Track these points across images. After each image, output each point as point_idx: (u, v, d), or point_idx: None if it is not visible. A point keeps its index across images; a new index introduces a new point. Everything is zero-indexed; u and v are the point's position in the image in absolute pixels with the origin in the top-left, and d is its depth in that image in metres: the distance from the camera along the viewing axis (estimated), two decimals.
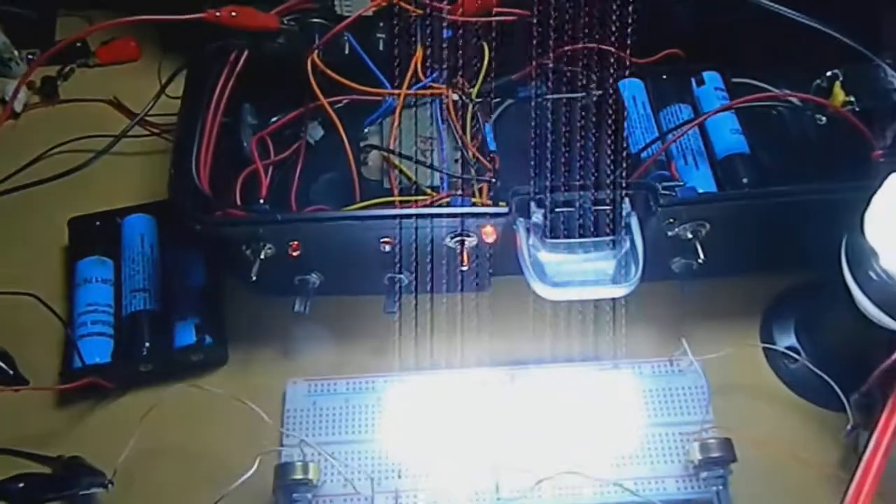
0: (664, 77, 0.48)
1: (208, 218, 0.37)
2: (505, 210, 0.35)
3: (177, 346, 0.40)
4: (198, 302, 0.41)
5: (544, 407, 0.37)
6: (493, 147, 0.43)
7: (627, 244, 0.36)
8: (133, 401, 0.40)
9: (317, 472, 0.35)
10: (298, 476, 0.35)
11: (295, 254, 0.37)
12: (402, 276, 0.39)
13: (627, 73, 0.44)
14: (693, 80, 0.47)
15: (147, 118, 0.50)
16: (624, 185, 0.35)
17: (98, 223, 0.44)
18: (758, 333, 0.42)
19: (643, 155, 0.44)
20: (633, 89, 0.47)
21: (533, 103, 0.41)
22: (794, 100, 0.44)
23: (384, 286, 0.40)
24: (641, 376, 0.39)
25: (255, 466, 0.34)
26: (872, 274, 0.31)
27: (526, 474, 0.36)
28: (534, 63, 0.44)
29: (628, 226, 0.35)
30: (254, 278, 0.36)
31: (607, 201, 0.35)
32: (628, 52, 0.41)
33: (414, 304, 0.39)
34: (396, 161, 0.41)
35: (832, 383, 0.37)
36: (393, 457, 0.37)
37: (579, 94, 0.42)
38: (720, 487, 0.35)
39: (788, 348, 0.40)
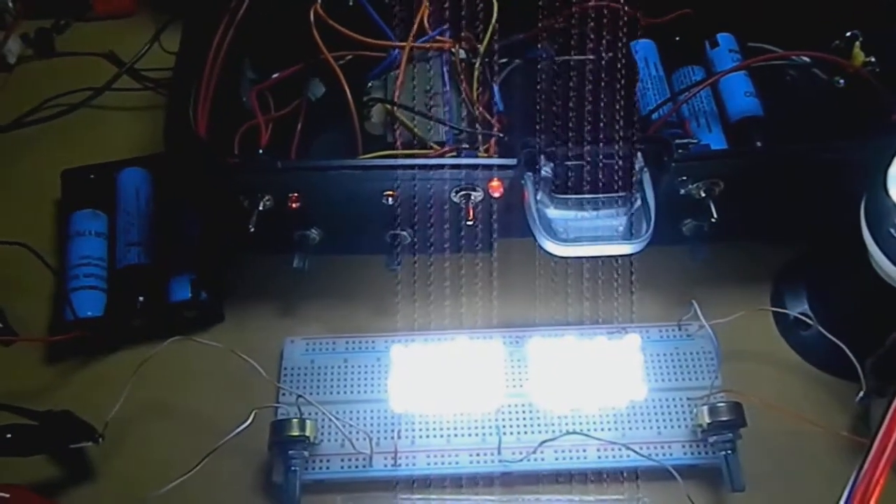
0: (677, 39, 0.46)
1: (206, 166, 0.36)
2: (513, 162, 0.34)
3: (172, 301, 0.39)
4: (194, 258, 0.40)
5: (549, 370, 0.35)
6: (500, 108, 0.42)
7: (639, 201, 0.34)
8: (125, 357, 0.39)
9: (314, 429, 0.34)
10: (295, 433, 0.34)
11: (294, 206, 0.35)
12: (404, 233, 0.38)
13: (639, 33, 0.43)
14: (707, 42, 0.45)
15: (142, 73, 0.49)
16: (637, 138, 0.34)
17: (92, 176, 0.43)
18: (769, 299, 0.41)
19: (655, 116, 0.42)
20: (645, 51, 0.45)
21: (541, 65, 0.41)
22: (810, 60, 0.43)
23: (385, 244, 0.39)
24: (649, 340, 0.38)
25: (250, 420, 0.33)
26: (894, 231, 0.30)
27: (529, 436, 0.36)
28: (541, 24, 0.43)
29: (640, 182, 0.34)
30: (251, 229, 0.35)
31: (619, 155, 0.34)
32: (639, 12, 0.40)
33: (415, 264, 0.38)
34: (400, 115, 0.40)
35: (845, 349, 0.35)
36: (392, 417, 0.36)
37: (589, 57, 0.41)
38: (729, 452, 0.34)
39: (801, 314, 0.39)
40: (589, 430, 0.36)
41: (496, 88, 0.43)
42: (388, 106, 0.40)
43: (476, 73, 0.42)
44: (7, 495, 0.30)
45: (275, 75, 0.45)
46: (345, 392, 0.37)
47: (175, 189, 0.42)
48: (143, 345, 0.39)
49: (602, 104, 0.38)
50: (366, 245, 0.40)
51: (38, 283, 0.41)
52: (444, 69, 0.42)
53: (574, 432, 0.34)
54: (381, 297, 0.40)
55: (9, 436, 0.32)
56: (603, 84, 0.38)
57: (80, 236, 0.40)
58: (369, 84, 0.42)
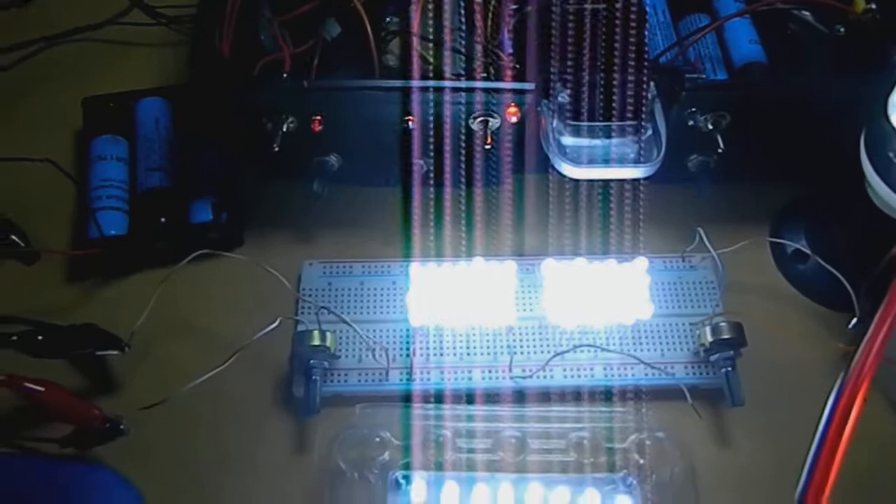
0: None
1: (234, 83, 0.37)
2: (530, 86, 0.35)
3: (193, 222, 0.40)
4: (213, 182, 0.41)
5: (560, 291, 0.37)
6: (510, 50, 0.43)
7: (650, 130, 0.36)
8: (146, 277, 0.40)
9: (334, 341, 0.35)
10: (316, 343, 0.35)
11: (317, 129, 0.37)
12: (420, 161, 0.40)
13: None
14: None
15: (156, 9, 0.50)
16: (649, 68, 0.35)
17: (111, 104, 0.44)
18: (767, 235, 0.42)
19: (662, 60, 0.44)
20: None
21: (555, 9, 0.42)
22: (811, 7, 0.44)
23: (396, 174, 0.40)
24: (654, 270, 0.39)
25: (277, 323, 0.34)
26: (893, 155, 0.32)
27: (539, 355, 0.38)
28: None
29: (651, 111, 0.36)
30: (276, 148, 0.36)
31: (632, 84, 0.35)
32: None
33: (428, 193, 0.40)
34: (419, 48, 0.41)
35: (842, 278, 0.37)
36: (407, 335, 0.37)
37: (601, 5, 0.42)
38: (729, 369, 0.36)
39: (798, 249, 0.40)
40: (595, 349, 0.38)
41: (505, 31, 0.44)
42: (407, 38, 0.41)
43: (490, 13, 0.43)
44: (42, 388, 0.31)
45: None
46: (361, 312, 0.39)
47: (195, 117, 0.43)
48: (164, 267, 0.40)
49: (615, 44, 0.39)
50: (382, 176, 0.41)
51: (58, 205, 0.42)
52: (460, 6, 0.43)
53: (585, 345, 0.36)
54: (396, 226, 0.41)
55: (40, 337, 0.33)
56: (615, 27, 0.40)
57: (102, 160, 0.41)
58: (387, 20, 0.44)
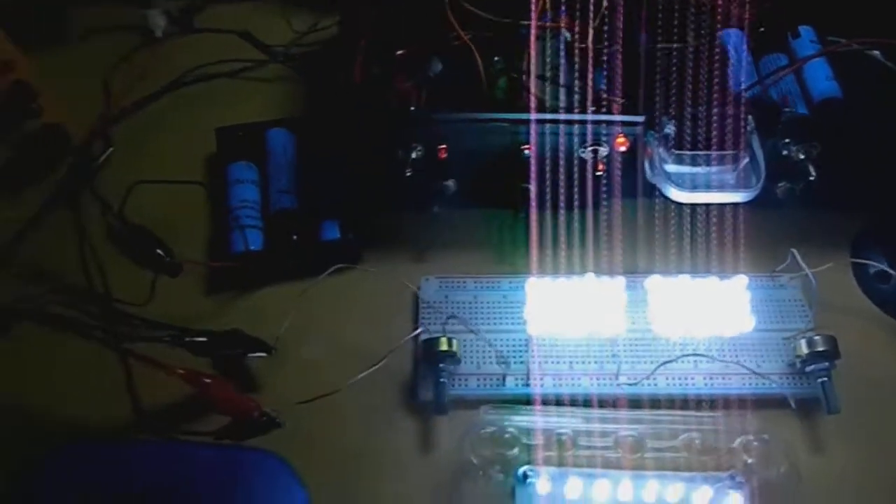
0: (761, 29, 0.51)
1: (374, 116, 0.42)
2: (640, 119, 0.39)
3: (322, 240, 0.44)
4: (339, 205, 0.45)
5: (664, 305, 0.40)
6: (601, 86, 0.47)
7: (747, 158, 0.39)
8: (278, 290, 0.44)
9: (459, 347, 0.39)
10: (444, 348, 0.38)
11: (443, 156, 0.41)
12: (531, 186, 0.43)
13: (729, 23, 0.49)
14: (789, 34, 0.51)
15: (272, 48, 0.55)
16: (748, 101, 0.39)
17: (240, 133, 0.48)
18: (849, 256, 0.45)
19: (748, 94, 0.48)
20: (734, 39, 0.51)
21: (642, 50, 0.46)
22: (883, 48, 0.47)
23: (511, 198, 0.44)
24: (748, 287, 0.41)
25: (419, 330, 0.38)
26: None
27: (643, 365, 0.41)
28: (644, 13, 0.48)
29: (749, 141, 0.39)
30: (409, 173, 0.40)
31: (732, 116, 0.39)
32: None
33: (541, 216, 0.43)
34: (530, 84, 0.44)
35: None
36: (520, 344, 0.41)
37: (688, 44, 0.46)
38: (825, 379, 0.38)
39: (881, 270, 0.43)
40: (695, 359, 0.40)
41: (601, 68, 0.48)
42: (515, 75, 0.45)
43: (585, 52, 0.47)
44: (209, 381, 0.35)
45: (399, 52, 0.51)
46: (475, 324, 0.42)
47: (320, 145, 0.47)
48: (294, 281, 0.44)
49: (715, 81, 0.43)
50: (495, 199, 0.45)
51: (196, 225, 0.47)
52: (561, 47, 0.47)
53: (694, 354, 0.39)
54: (504, 244, 0.45)
55: (205, 339, 0.37)
56: (714, 66, 0.44)
57: (240, 183, 0.46)
58: (495, 58, 0.48)
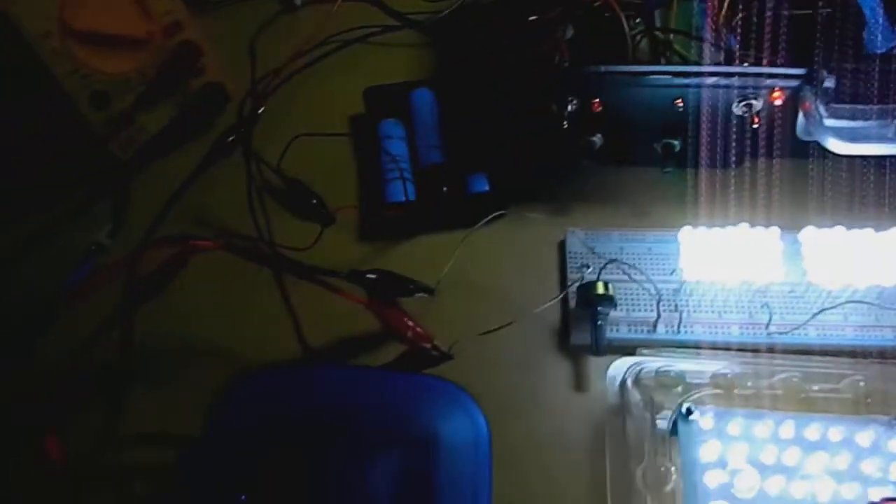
0: None
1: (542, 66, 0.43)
2: (801, 71, 0.40)
3: (472, 192, 0.46)
4: (485, 159, 0.47)
5: (818, 257, 0.41)
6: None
7: None
8: (429, 241, 0.46)
9: (614, 291, 0.40)
10: (601, 292, 0.40)
11: (597, 109, 0.42)
12: (677, 142, 0.44)
13: None
14: None
15: (404, 14, 0.57)
16: None
17: (387, 93, 0.51)
18: None
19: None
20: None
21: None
22: None
23: (655, 156, 0.45)
24: None
25: (581, 279, 0.40)
26: None
27: (793, 316, 0.41)
28: None
29: None
30: (565, 125, 0.42)
31: (892, 71, 0.39)
32: None
33: (692, 170, 0.44)
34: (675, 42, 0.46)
35: None
36: (668, 295, 0.42)
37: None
38: None
39: None
40: (846, 311, 0.41)
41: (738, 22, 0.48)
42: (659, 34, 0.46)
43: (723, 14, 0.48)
44: (392, 307, 0.37)
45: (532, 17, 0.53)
46: (621, 274, 0.43)
47: (465, 104, 0.49)
48: (443, 232, 0.46)
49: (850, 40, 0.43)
50: (638, 155, 0.46)
51: (346, 179, 0.49)
52: (704, 7, 0.48)
53: (851, 301, 0.39)
54: (647, 198, 0.47)
55: (375, 276, 0.39)
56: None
57: (390, 139, 0.48)
58: (637, 20, 0.49)
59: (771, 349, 0.40)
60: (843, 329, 0.41)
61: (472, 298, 0.44)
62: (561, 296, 0.42)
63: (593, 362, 0.42)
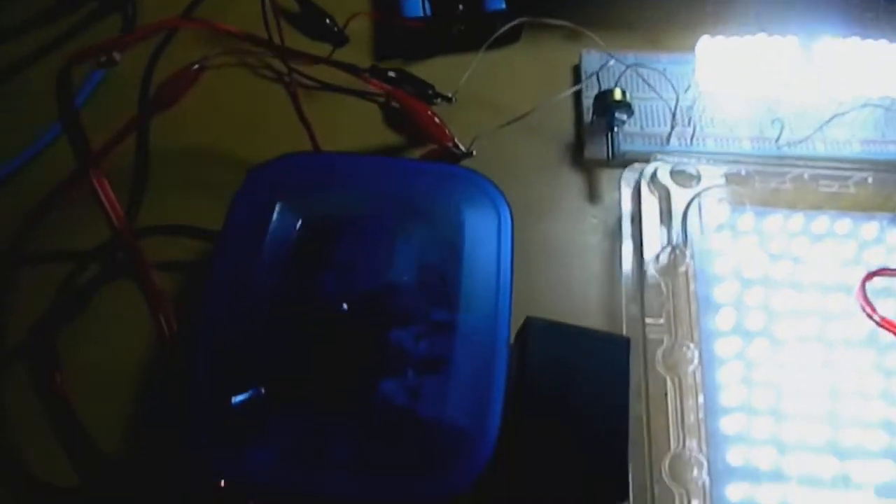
0: None
1: None
2: None
3: (488, 10, 0.45)
4: None
5: (829, 72, 0.41)
6: None
7: None
8: (444, 60, 0.46)
9: (631, 99, 0.41)
10: (618, 98, 0.41)
11: None
12: None
13: None
14: None
15: None
16: None
17: None
18: None
19: None
20: None
21: None
22: None
23: None
24: None
25: (582, 85, 0.40)
26: None
27: (805, 131, 0.42)
28: None
29: None
30: None
31: None
32: None
33: None
34: None
35: None
36: (683, 109, 0.42)
37: None
38: None
39: None
40: (854, 125, 0.42)
41: None
42: None
43: None
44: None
45: None
46: (637, 92, 0.43)
47: None
48: (459, 53, 0.46)
49: None
50: None
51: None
52: None
53: (863, 105, 0.40)
54: (659, 22, 0.47)
55: (395, 75, 0.39)
56: None
57: None
58: None
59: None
60: (850, 143, 0.42)
61: (488, 114, 0.44)
62: (578, 87, 0.42)
63: (607, 175, 0.42)
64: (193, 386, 0.31)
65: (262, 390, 0.31)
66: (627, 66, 0.42)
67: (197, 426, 0.30)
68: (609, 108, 0.40)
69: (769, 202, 0.38)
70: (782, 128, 0.42)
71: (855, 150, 0.42)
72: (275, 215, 0.34)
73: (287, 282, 0.34)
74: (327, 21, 0.46)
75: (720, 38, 0.41)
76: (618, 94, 0.41)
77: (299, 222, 0.35)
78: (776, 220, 0.37)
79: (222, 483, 0.30)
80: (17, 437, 0.36)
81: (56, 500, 0.34)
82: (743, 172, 0.38)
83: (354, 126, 0.44)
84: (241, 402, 0.31)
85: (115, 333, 0.38)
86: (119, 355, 0.37)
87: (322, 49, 0.46)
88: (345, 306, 0.33)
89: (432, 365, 0.32)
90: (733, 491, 0.32)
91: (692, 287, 0.36)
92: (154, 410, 0.36)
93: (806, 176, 0.37)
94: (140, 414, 0.36)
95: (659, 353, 0.34)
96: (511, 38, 0.47)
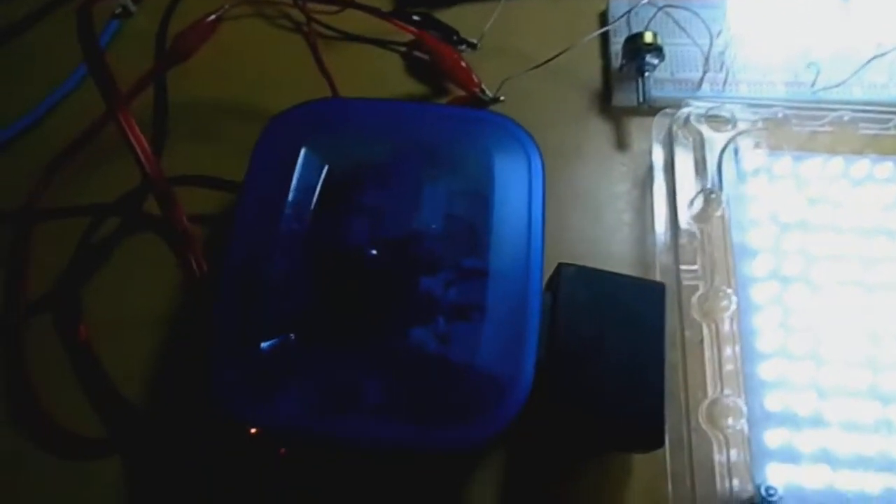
0: None
1: None
2: None
3: None
4: None
5: (864, 13, 0.40)
6: None
7: None
8: (468, 10, 0.44)
9: (663, 42, 0.40)
10: (649, 41, 0.39)
11: None
12: None
13: None
14: None
15: None
16: None
17: None
18: None
19: None
20: None
21: None
22: None
23: None
24: None
25: (610, 26, 0.38)
26: None
27: (842, 75, 0.40)
28: None
29: None
30: None
31: None
32: None
33: None
34: None
35: None
36: (715, 56, 0.41)
37: None
38: None
39: None
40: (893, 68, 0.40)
41: None
42: None
43: None
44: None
45: None
46: (663, 38, 0.41)
47: None
48: (481, 1, 0.44)
49: None
50: None
51: None
52: None
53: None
54: None
55: (420, 19, 0.38)
56: None
57: None
58: None
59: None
60: (888, 87, 0.41)
61: (513, 62, 0.42)
62: (608, 28, 0.41)
63: (636, 123, 0.41)
64: (221, 332, 0.31)
65: (292, 336, 0.31)
66: (658, 9, 0.41)
67: (226, 373, 0.30)
68: (640, 52, 0.39)
69: (807, 146, 0.37)
70: (818, 72, 0.40)
71: (893, 93, 0.41)
72: (300, 160, 0.33)
73: (313, 227, 0.33)
74: None
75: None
76: (648, 38, 0.39)
77: (325, 168, 0.34)
78: (814, 164, 0.36)
79: (252, 430, 0.30)
80: (44, 390, 0.35)
81: (85, 451, 0.34)
82: (780, 115, 0.37)
83: (376, 76, 0.43)
84: (270, 347, 0.30)
85: (138, 285, 0.38)
86: (143, 307, 0.37)
87: None
88: (373, 251, 0.32)
89: (463, 312, 0.32)
90: (772, 437, 0.31)
91: (728, 232, 0.35)
92: (180, 360, 0.36)
93: (846, 118, 0.36)
94: (167, 365, 0.36)
95: (694, 299, 0.34)
96: None
